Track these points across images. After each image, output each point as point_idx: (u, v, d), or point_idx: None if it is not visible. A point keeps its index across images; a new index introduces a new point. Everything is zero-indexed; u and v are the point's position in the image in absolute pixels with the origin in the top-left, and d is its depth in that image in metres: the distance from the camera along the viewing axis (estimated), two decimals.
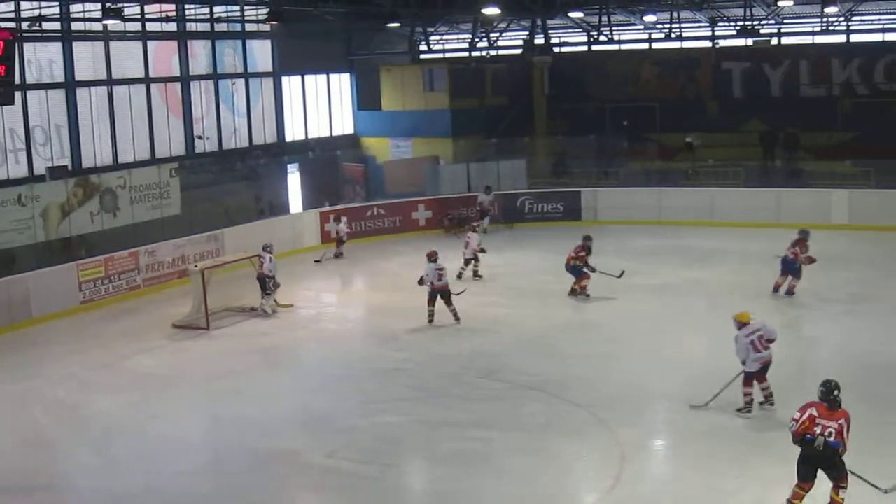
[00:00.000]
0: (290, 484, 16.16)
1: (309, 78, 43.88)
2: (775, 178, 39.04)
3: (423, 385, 20.42)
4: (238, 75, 40.30)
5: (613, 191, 38.97)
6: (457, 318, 24.49)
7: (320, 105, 44.73)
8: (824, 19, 42.79)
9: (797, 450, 13.80)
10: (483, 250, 29.18)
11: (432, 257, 24.72)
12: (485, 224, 35.27)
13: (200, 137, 38.32)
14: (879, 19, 43.32)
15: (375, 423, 18.30)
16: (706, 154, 41.56)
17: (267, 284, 26.17)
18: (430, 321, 24.47)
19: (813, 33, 44.66)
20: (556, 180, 41.50)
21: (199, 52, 38.66)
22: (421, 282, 24.72)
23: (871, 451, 15.22)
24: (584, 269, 26.72)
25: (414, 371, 21.13)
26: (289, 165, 39.61)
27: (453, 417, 18.53)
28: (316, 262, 31.88)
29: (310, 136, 43.78)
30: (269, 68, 41.75)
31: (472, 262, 29.11)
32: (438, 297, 24.47)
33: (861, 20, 43.51)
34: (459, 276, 28.51)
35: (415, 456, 17.28)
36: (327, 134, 44.75)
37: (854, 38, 44.29)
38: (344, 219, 33.98)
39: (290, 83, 42.79)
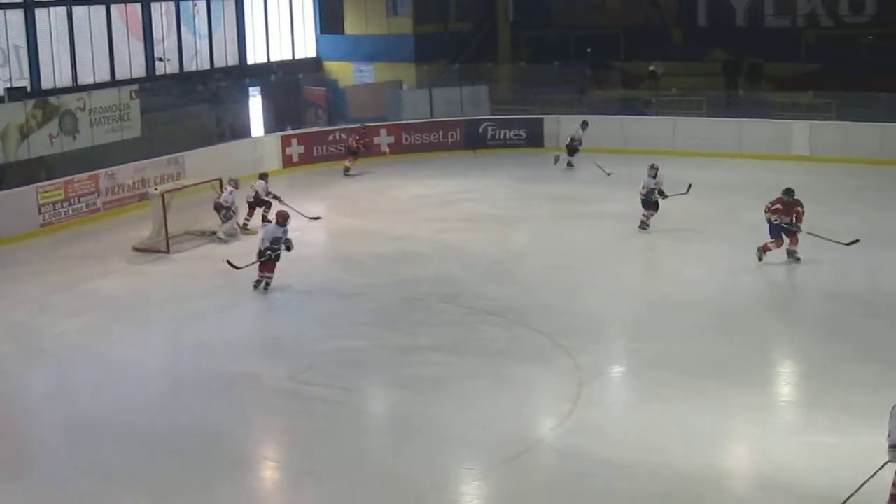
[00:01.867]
0: (250, 407, 16.22)
1: (272, 1, 43.40)
2: (738, 108, 39.04)
3: (385, 310, 20.45)
4: None
5: (576, 118, 38.88)
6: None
7: (283, 28, 44.23)
8: None
9: (755, 375, 14.02)
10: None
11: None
12: (562, 159, 34.65)
13: (161, 59, 37.91)
14: None
15: (337, 348, 18.37)
16: (669, 83, 41.47)
17: (221, 213, 25.99)
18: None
19: None
20: (518, 106, 41.39)
21: None
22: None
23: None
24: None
25: (375, 296, 21.15)
26: (250, 89, 39.33)
27: (414, 342, 18.64)
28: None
29: (272, 60, 43.32)
30: None
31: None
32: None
33: None
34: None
35: (376, 380, 17.36)
36: (289, 57, 44.31)
37: None
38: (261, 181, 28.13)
39: (253, 5, 42.26)
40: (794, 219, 22.28)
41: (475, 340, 18.74)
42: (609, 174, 31.71)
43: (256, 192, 27.12)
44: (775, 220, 22.16)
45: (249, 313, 20.95)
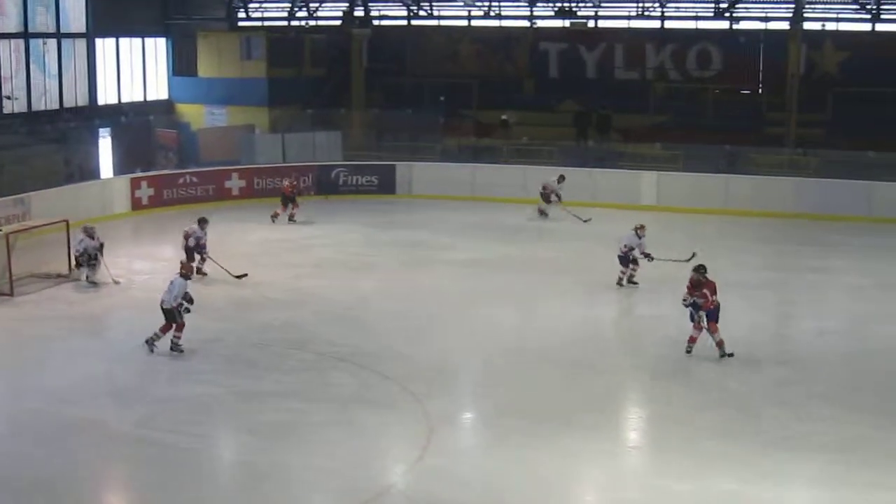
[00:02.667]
0: (95, 454, 15.86)
1: (123, 41, 42.90)
2: (588, 158, 39.71)
3: (235, 355, 20.25)
4: (50, 35, 39.16)
5: (428, 165, 39.19)
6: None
7: (135, 69, 43.78)
8: (640, 4, 43.75)
9: (604, 421, 14.22)
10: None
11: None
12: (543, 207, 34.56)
13: (9, 98, 37.18)
14: (693, 7, 44.49)
15: (186, 394, 18.15)
16: (521, 132, 42.07)
17: (83, 262, 25.38)
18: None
19: (629, 17, 45.53)
20: (371, 153, 41.51)
21: (10, 10, 37.44)
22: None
23: None
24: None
25: (225, 341, 20.95)
26: (100, 130, 38.82)
27: (264, 388, 18.47)
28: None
29: (123, 101, 42.81)
30: (83, 29, 40.64)
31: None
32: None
33: (675, 7, 44.69)
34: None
35: (225, 427, 17.18)
36: (141, 99, 43.85)
37: (668, 24, 45.32)
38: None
39: (104, 45, 41.74)
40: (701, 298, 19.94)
41: (325, 386, 18.66)
42: (586, 221, 32.36)
43: (198, 240, 25.97)
44: (687, 303, 20.15)
45: (96, 358, 20.49)
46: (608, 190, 35.33)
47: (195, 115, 44.33)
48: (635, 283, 25.38)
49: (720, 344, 19.81)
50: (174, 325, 20.20)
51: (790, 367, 20.00)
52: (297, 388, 18.50)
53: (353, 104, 44.73)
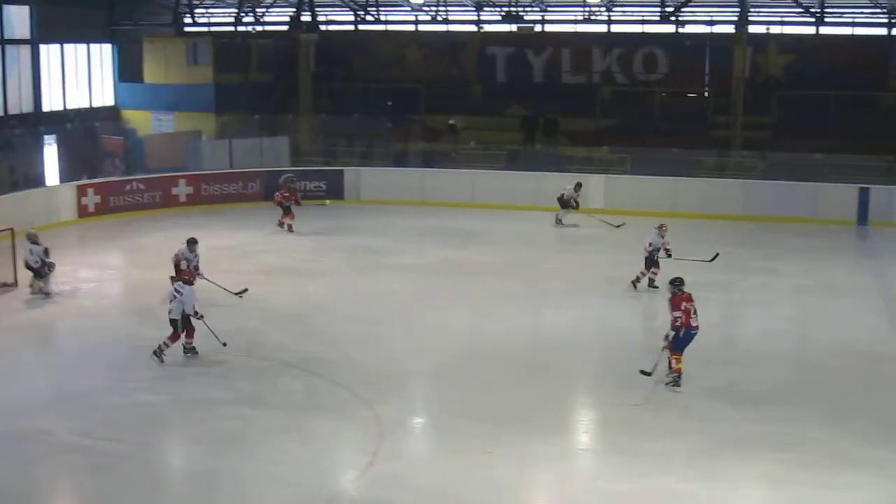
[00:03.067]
0: (41, 464, 15.67)
1: (68, 47, 42.56)
2: (535, 162, 39.80)
3: (183, 363, 20.09)
4: None
5: (376, 170, 39.18)
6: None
7: (80, 75, 43.47)
8: (586, 9, 43.89)
9: (555, 425, 14.28)
10: None
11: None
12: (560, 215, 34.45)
13: None
14: (639, 11, 44.69)
15: (133, 402, 17.95)
16: (469, 137, 42.13)
17: (34, 273, 25.02)
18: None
19: (575, 22, 45.64)
20: (319, 159, 41.42)
21: None
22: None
23: None
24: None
25: (172, 349, 20.78)
26: (46, 136, 38.48)
27: (212, 395, 18.34)
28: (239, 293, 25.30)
29: (68, 107, 42.50)
30: (27, 35, 40.30)
31: None
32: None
33: (622, 11, 44.89)
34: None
35: (172, 435, 17.04)
36: (87, 105, 43.55)
37: (614, 28, 45.52)
38: None
39: (49, 51, 41.40)
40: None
41: (274, 393, 18.57)
42: (619, 226, 32.61)
43: (189, 262, 24.63)
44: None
45: (41, 368, 20.34)
46: (556, 194, 35.40)
47: (141, 121, 44.07)
48: (656, 287, 25.03)
49: (675, 372, 18.60)
50: (186, 331, 19.94)
51: (738, 368, 20.15)
52: (247, 395, 18.36)
53: (300, 109, 44.64)
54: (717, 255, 24.87)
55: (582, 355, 21.27)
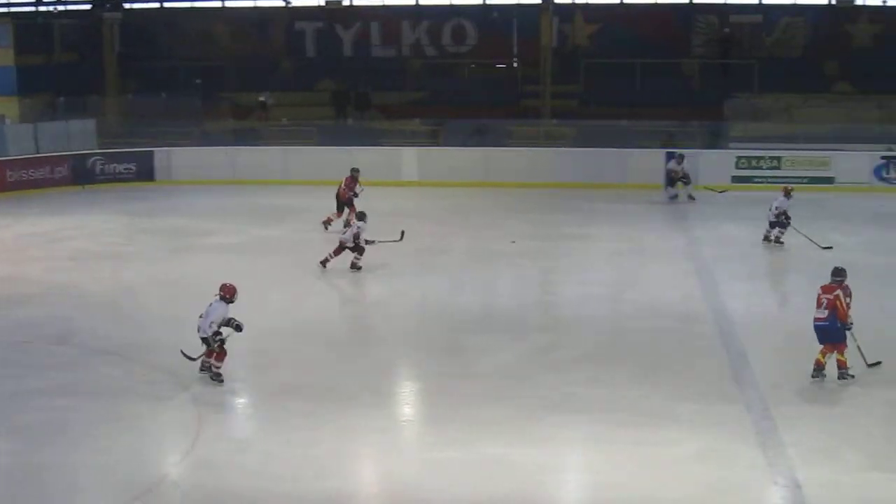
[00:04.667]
0: None
1: None
2: (348, 136, 39.73)
3: None
4: None
5: (187, 150, 38.63)
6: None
7: None
8: None
9: (377, 398, 14.35)
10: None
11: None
12: (689, 189, 34.32)
13: None
14: None
15: None
16: (280, 113, 41.91)
17: None
18: None
19: None
20: (128, 140, 40.64)
21: None
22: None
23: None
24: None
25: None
26: None
27: (27, 387, 17.72)
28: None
29: None
30: None
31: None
32: None
33: None
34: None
35: None
36: None
37: (423, 1, 45.69)
38: None
39: None
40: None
41: (91, 381, 18.14)
42: (722, 192, 34.15)
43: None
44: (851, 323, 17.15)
45: None
46: (369, 167, 35.26)
47: None
48: (781, 243, 27.06)
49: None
50: (214, 354, 17.87)
51: (554, 333, 20.52)
52: (63, 385, 17.84)
53: (106, 90, 43.71)
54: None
55: (401, 327, 21.35)
